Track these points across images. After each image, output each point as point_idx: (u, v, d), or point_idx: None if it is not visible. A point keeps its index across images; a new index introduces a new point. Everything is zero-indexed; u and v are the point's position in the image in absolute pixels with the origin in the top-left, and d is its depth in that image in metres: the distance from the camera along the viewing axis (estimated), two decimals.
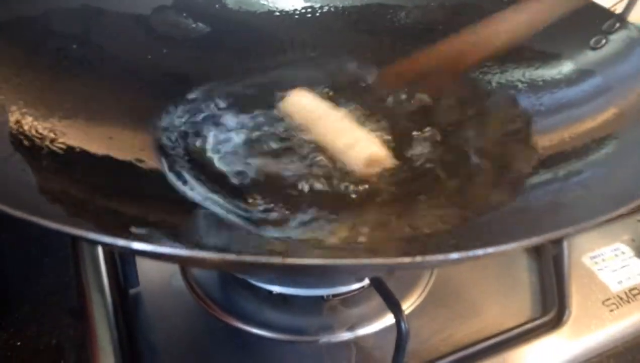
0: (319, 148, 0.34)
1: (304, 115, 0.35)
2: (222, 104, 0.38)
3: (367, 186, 0.32)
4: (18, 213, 0.19)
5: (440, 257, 0.17)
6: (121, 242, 0.17)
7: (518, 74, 0.39)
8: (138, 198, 0.28)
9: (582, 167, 0.29)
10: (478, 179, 0.32)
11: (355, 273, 0.28)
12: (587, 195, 0.26)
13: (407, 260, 0.16)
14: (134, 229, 0.23)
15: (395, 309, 0.30)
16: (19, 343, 0.31)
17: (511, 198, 0.29)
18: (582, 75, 0.35)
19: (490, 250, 0.17)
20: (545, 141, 0.33)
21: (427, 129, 0.36)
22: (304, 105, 0.36)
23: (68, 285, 0.35)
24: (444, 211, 0.29)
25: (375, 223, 0.29)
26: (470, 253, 0.18)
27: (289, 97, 0.37)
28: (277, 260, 0.16)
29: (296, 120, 0.36)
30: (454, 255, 0.17)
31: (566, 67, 0.37)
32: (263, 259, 0.17)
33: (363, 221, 0.29)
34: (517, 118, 0.36)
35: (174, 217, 0.28)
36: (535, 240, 0.19)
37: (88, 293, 0.33)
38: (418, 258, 0.16)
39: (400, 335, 0.29)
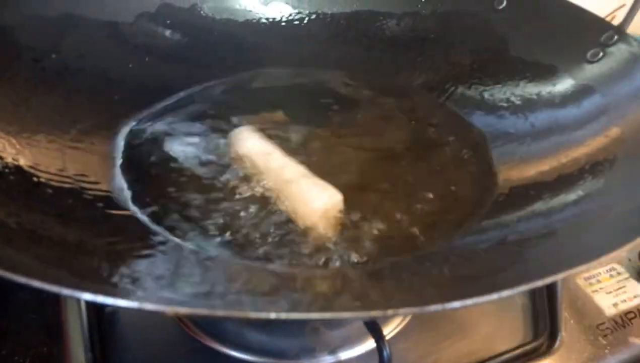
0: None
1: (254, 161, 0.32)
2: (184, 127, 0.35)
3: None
4: None
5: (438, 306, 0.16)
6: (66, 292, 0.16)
7: (511, 87, 0.37)
8: (105, 228, 0.27)
9: (576, 197, 0.27)
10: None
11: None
12: (583, 228, 0.25)
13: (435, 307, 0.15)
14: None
15: (376, 334, 0.29)
16: None
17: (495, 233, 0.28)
18: (579, 90, 0.34)
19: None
20: (538, 167, 0.31)
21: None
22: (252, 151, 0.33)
23: (45, 301, 0.34)
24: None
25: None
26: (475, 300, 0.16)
27: (235, 141, 0.34)
28: (265, 315, 0.15)
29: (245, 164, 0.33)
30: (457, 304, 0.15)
31: (562, 81, 0.35)
32: (252, 314, 0.16)
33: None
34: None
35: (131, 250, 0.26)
36: (531, 285, 0.18)
37: (65, 311, 0.33)
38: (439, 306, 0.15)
39: (381, 361, 0.28)
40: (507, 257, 0.25)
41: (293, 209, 0.30)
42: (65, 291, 0.18)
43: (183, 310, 0.18)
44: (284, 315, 0.17)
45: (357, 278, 0.25)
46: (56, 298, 0.34)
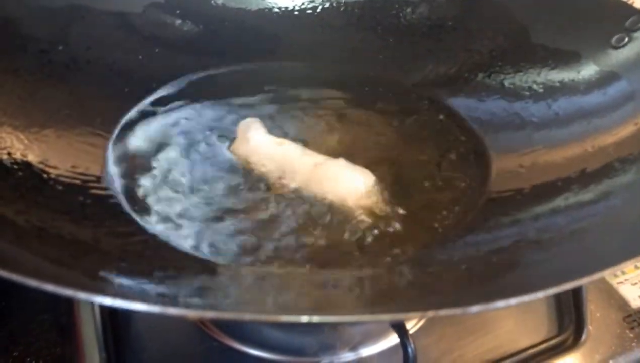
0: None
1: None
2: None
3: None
4: None
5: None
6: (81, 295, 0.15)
7: (533, 75, 0.36)
8: (114, 223, 0.26)
9: (602, 191, 0.26)
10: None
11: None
12: (610, 225, 0.24)
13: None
14: (102, 273, 0.21)
15: (400, 330, 0.28)
16: None
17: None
18: (604, 77, 0.33)
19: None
20: (563, 154, 0.30)
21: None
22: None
23: (58, 301, 0.33)
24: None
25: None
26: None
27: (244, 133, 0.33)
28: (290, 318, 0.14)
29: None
30: (501, 303, 0.15)
31: (586, 68, 0.34)
32: (269, 317, 0.15)
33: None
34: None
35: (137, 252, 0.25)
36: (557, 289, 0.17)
37: (77, 311, 0.32)
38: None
39: (406, 358, 0.27)
40: (530, 254, 0.24)
41: (324, 195, 0.29)
42: (81, 295, 0.17)
43: (209, 314, 0.17)
44: (316, 319, 0.16)
45: (391, 273, 0.24)
46: (68, 298, 0.33)
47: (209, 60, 0.37)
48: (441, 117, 0.36)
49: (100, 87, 0.34)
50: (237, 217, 0.29)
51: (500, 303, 0.16)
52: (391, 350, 0.31)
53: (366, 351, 0.31)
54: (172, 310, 0.17)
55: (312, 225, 0.28)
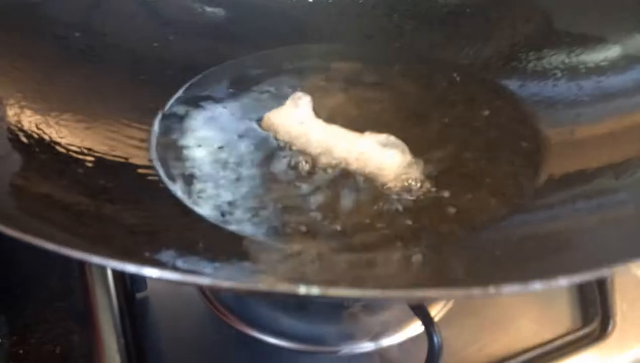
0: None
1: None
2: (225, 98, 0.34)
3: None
4: (10, 232, 0.17)
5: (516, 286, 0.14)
6: (131, 268, 0.15)
7: (556, 61, 0.35)
8: (143, 207, 0.25)
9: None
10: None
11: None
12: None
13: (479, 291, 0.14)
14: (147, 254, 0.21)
15: (426, 320, 0.27)
16: (21, 352, 0.30)
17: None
18: (632, 61, 0.32)
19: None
20: (592, 132, 0.30)
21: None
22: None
23: (75, 288, 0.33)
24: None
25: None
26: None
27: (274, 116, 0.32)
28: (315, 290, 0.14)
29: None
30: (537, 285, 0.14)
31: (613, 52, 0.33)
32: (301, 289, 0.14)
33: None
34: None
35: (181, 228, 0.25)
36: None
37: (93, 298, 0.31)
38: (491, 289, 0.13)
39: (432, 348, 0.26)
40: (581, 236, 0.24)
41: (365, 173, 0.28)
42: (112, 263, 0.16)
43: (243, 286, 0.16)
44: (371, 293, 0.15)
45: (435, 253, 0.24)
46: (84, 285, 0.32)
47: (233, 45, 0.37)
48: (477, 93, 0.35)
49: (118, 73, 0.33)
50: (273, 193, 0.28)
51: (563, 281, 0.15)
52: (412, 340, 0.31)
53: (386, 341, 0.31)
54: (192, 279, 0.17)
55: (353, 204, 0.28)
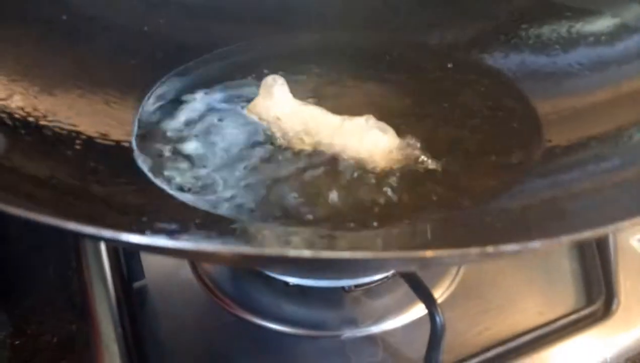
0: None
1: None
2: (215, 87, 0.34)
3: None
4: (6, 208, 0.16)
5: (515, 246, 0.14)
6: (123, 237, 0.14)
7: (555, 35, 0.35)
8: (133, 188, 0.25)
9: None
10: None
11: (403, 267, 0.25)
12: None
13: (476, 251, 0.13)
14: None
15: (429, 301, 0.27)
16: (17, 343, 0.29)
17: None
18: (628, 31, 0.31)
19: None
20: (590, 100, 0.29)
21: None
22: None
23: (71, 278, 0.33)
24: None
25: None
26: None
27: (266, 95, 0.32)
28: (307, 253, 0.13)
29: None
30: (536, 243, 0.13)
31: (609, 22, 0.33)
32: (291, 253, 0.14)
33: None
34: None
35: (170, 210, 0.24)
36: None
37: (90, 288, 0.31)
38: (489, 249, 0.13)
39: (434, 330, 0.26)
40: (578, 202, 0.23)
41: (350, 152, 0.28)
42: (106, 233, 0.16)
43: (227, 250, 0.16)
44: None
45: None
46: (80, 275, 0.32)
47: (215, 29, 0.36)
48: (471, 74, 0.35)
49: (105, 56, 0.32)
50: (260, 175, 0.28)
51: (564, 239, 0.14)
52: (414, 323, 0.30)
53: (389, 324, 0.30)
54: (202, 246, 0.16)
55: (341, 183, 0.27)
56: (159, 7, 0.35)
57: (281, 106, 0.30)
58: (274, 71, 0.34)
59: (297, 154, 0.29)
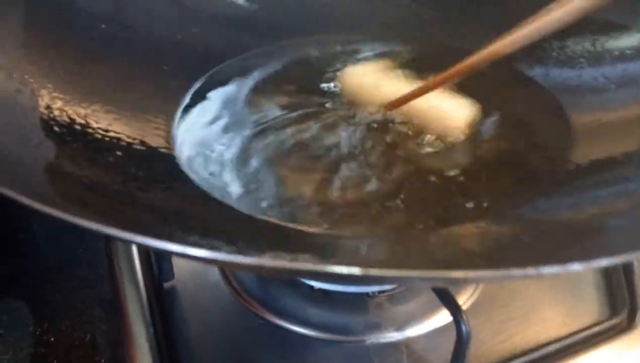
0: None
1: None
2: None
3: None
4: (49, 210, 0.17)
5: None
6: (157, 244, 0.15)
7: (581, 49, 0.35)
8: (173, 190, 0.26)
9: None
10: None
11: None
12: None
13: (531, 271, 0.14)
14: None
15: (455, 309, 0.27)
16: (52, 339, 0.30)
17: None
18: None
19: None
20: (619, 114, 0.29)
21: None
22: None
23: (102, 277, 0.34)
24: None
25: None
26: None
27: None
28: (355, 270, 0.14)
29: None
30: (577, 266, 0.14)
31: (636, 39, 0.33)
32: (338, 269, 0.14)
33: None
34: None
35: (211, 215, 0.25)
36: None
37: (122, 287, 0.32)
38: (531, 270, 0.13)
39: (460, 338, 0.26)
40: (614, 220, 0.23)
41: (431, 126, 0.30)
42: (156, 243, 0.16)
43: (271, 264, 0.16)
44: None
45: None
46: (111, 275, 0.33)
47: (255, 37, 0.37)
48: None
49: (143, 65, 0.34)
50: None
51: (604, 261, 0.15)
52: (438, 330, 0.31)
53: (412, 331, 0.31)
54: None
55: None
56: (192, 17, 0.36)
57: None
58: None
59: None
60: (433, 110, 0.31)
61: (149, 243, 0.16)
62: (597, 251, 0.17)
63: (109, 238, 0.34)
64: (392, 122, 0.32)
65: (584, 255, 0.16)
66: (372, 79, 0.33)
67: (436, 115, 0.31)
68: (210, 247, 0.21)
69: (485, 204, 0.27)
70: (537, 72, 0.36)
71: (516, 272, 0.14)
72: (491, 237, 0.25)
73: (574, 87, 0.34)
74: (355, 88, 0.34)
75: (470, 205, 0.27)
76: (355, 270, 0.15)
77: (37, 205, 0.17)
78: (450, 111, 0.31)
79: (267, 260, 0.18)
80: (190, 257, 0.16)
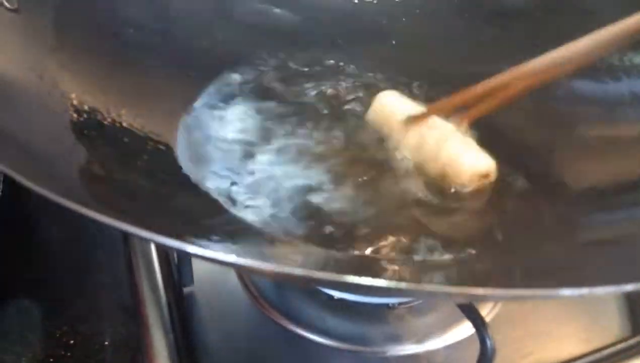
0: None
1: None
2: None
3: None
4: (84, 211, 0.17)
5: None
6: (176, 244, 0.15)
7: (603, 62, 0.35)
8: (199, 196, 0.26)
9: None
10: None
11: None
12: None
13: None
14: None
15: (479, 323, 0.27)
16: (72, 342, 0.30)
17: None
18: None
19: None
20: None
21: None
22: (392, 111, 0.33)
23: (122, 281, 0.34)
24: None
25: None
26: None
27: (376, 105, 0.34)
28: (392, 284, 0.14)
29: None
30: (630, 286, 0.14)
31: None
32: (367, 281, 0.14)
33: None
34: None
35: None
36: None
37: (141, 292, 0.32)
38: (584, 290, 0.13)
39: (484, 352, 0.26)
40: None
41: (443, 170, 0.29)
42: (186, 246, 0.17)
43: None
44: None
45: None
46: (132, 280, 0.33)
47: (291, 47, 0.37)
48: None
49: (174, 71, 0.34)
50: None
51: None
52: (459, 344, 0.30)
53: (433, 344, 0.31)
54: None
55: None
56: (220, 24, 0.36)
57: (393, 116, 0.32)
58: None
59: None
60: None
61: (181, 247, 0.16)
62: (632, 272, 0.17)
63: (127, 241, 0.35)
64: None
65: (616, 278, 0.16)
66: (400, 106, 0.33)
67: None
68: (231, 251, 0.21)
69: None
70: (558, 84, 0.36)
71: (567, 292, 0.14)
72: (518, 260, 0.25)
73: (592, 100, 0.34)
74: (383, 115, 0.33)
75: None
76: (382, 283, 0.15)
77: (76, 207, 0.17)
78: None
79: (298, 270, 0.18)
80: (221, 262, 0.16)
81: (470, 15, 0.39)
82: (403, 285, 0.17)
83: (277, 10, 0.38)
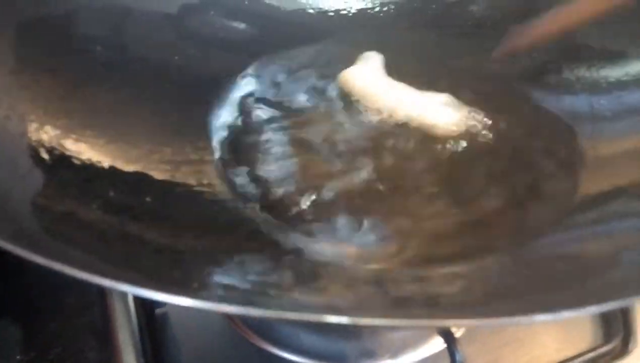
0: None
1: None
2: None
3: None
4: (37, 258, 0.17)
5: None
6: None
7: (576, 74, 0.35)
8: (169, 225, 0.25)
9: None
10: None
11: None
12: None
13: None
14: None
15: (447, 336, 0.27)
16: None
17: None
18: None
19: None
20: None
21: None
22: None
23: (93, 303, 0.33)
24: None
25: None
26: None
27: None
28: (342, 319, 0.14)
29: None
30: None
31: (634, 67, 0.33)
32: (322, 318, 0.14)
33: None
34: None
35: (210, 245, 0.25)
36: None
37: (112, 314, 0.31)
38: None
39: None
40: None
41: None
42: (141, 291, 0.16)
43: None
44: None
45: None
46: (103, 303, 0.32)
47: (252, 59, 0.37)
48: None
49: (140, 89, 0.33)
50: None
51: (592, 309, 0.15)
52: (432, 357, 0.31)
53: (407, 358, 0.31)
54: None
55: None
56: (190, 40, 0.36)
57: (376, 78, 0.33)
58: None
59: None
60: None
61: (141, 293, 0.15)
62: (599, 292, 0.17)
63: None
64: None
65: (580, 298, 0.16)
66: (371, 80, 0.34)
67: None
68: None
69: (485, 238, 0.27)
70: (532, 96, 0.36)
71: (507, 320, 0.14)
72: (494, 275, 0.25)
73: (568, 113, 0.34)
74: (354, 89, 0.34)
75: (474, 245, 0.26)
76: (344, 320, 0.15)
77: (20, 251, 0.16)
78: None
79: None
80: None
81: (421, 26, 0.39)
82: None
83: (236, 24, 0.37)
